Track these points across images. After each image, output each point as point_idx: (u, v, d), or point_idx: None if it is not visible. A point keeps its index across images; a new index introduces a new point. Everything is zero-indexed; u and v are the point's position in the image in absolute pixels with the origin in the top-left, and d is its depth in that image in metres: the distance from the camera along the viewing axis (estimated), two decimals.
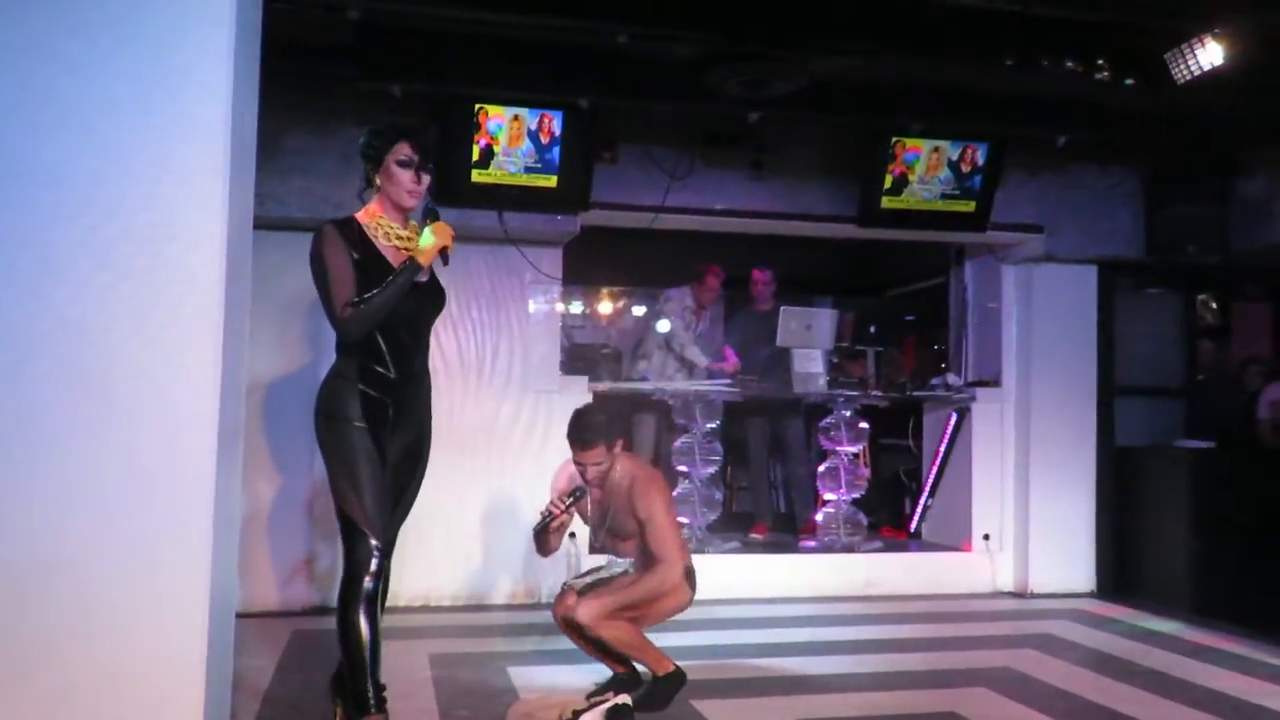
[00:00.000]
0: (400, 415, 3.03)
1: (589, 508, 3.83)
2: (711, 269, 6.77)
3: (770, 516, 6.95)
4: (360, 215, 3.03)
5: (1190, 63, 4.46)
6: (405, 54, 4.84)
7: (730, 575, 5.82)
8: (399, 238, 3.02)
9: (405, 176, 2.99)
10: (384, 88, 4.93)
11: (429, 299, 3.11)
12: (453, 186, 5.18)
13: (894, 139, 5.67)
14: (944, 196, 5.84)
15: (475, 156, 5.14)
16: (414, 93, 5.01)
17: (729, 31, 4.55)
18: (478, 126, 5.11)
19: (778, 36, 4.60)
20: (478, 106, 5.08)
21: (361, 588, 2.93)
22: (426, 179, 3.05)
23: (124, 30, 2.41)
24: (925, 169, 5.76)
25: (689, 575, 3.79)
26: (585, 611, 3.63)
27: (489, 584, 5.55)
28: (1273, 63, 4.53)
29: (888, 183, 5.74)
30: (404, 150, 2.99)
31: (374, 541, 2.95)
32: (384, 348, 2.98)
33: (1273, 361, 6.99)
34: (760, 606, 5.66)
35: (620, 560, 3.83)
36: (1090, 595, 6.23)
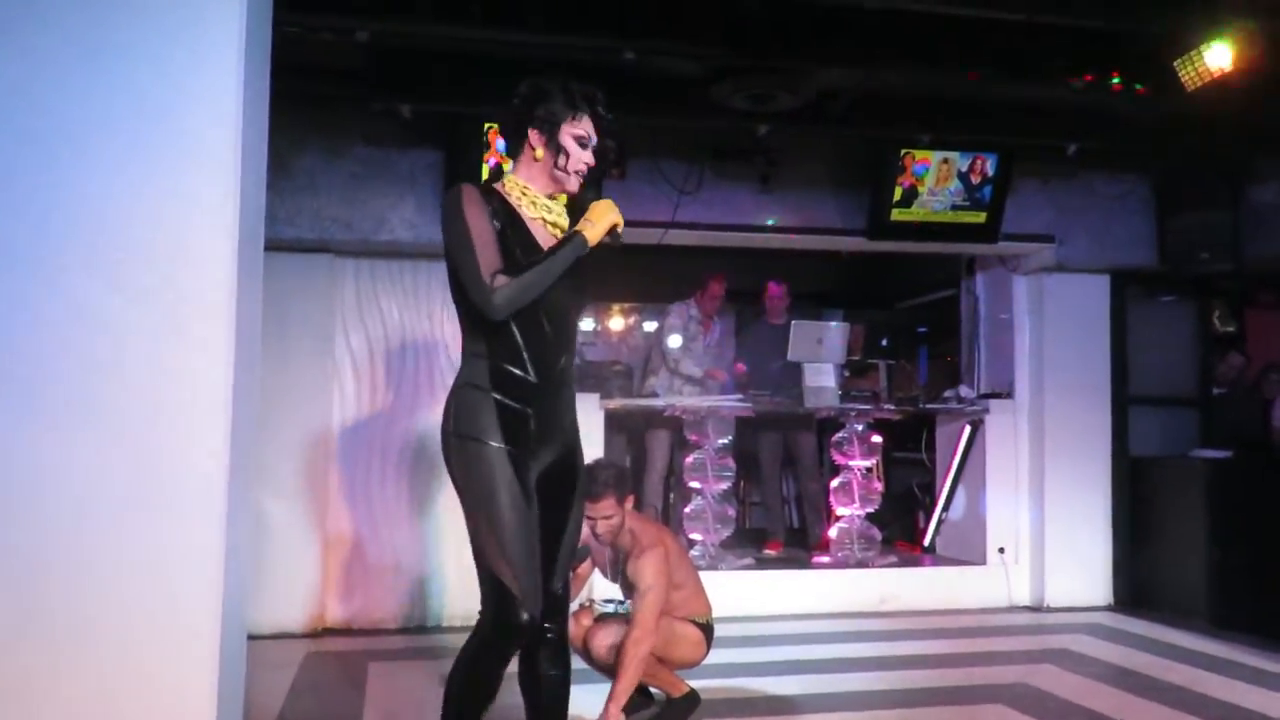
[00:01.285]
0: (543, 428, 2.51)
1: (605, 562, 3.80)
2: (714, 277, 6.75)
3: (784, 532, 6.92)
4: (500, 185, 2.57)
5: (1200, 70, 4.44)
6: (414, 74, 4.86)
7: (744, 592, 5.78)
8: (549, 211, 2.55)
9: (584, 156, 2.55)
10: (393, 107, 4.95)
11: (575, 286, 2.57)
12: None
13: (902, 151, 5.66)
14: (954, 208, 5.82)
15: (485, 176, 5.15)
16: (424, 113, 5.03)
17: (735, 46, 4.55)
18: (488, 145, 5.12)
19: (783, 50, 4.60)
20: (487, 125, 5.10)
21: (493, 655, 2.42)
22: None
23: (134, 53, 2.41)
24: (935, 180, 5.75)
25: (707, 631, 3.76)
26: (598, 644, 3.60)
27: None
28: None
29: (897, 195, 5.73)
30: (584, 126, 2.55)
31: (523, 613, 2.39)
32: (521, 343, 2.46)
33: None
34: (774, 623, 5.62)
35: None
36: (1107, 608, 6.17)
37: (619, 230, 2.55)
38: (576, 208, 2.63)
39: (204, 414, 2.44)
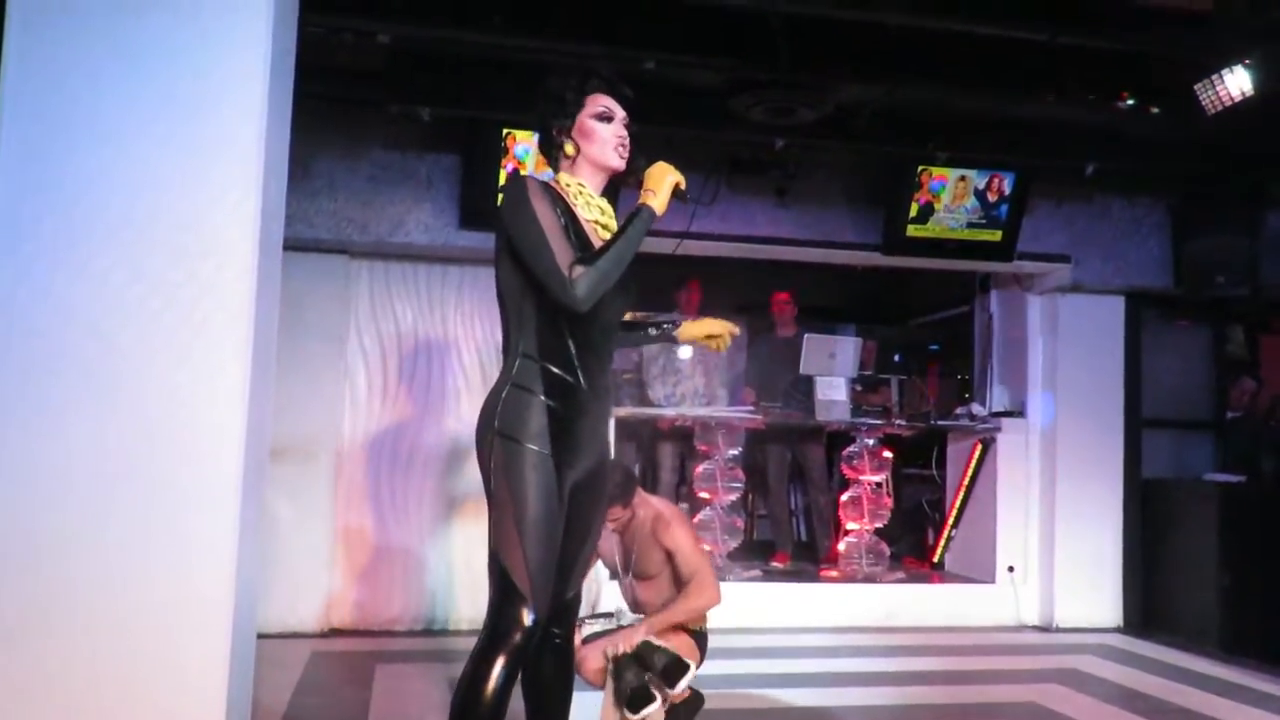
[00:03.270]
0: (586, 438, 2.43)
1: (614, 554, 3.80)
2: (691, 281, 6.70)
3: (791, 545, 6.90)
4: (555, 183, 2.47)
5: (1220, 93, 4.44)
6: (434, 78, 4.88)
7: (751, 604, 5.77)
8: (601, 213, 2.46)
9: (608, 131, 2.46)
10: (412, 111, 4.97)
11: (623, 292, 2.46)
12: (479, 210, 5.20)
13: (920, 167, 5.66)
14: (970, 225, 5.81)
15: (502, 180, 5.17)
16: (443, 117, 5.05)
17: (755, 59, 4.56)
18: (505, 150, 5.14)
19: (803, 65, 4.61)
20: (505, 131, 5.12)
21: (500, 657, 2.30)
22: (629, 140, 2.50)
23: (164, 51, 2.45)
24: (951, 197, 5.74)
25: (700, 640, 3.69)
26: (589, 668, 3.55)
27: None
28: None
29: (913, 211, 5.73)
30: (600, 101, 2.46)
31: (528, 613, 2.32)
32: (573, 349, 2.38)
33: None
34: (780, 636, 5.61)
35: (630, 615, 3.76)
36: (1117, 630, 6.13)
37: (683, 187, 2.45)
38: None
39: (221, 409, 2.46)
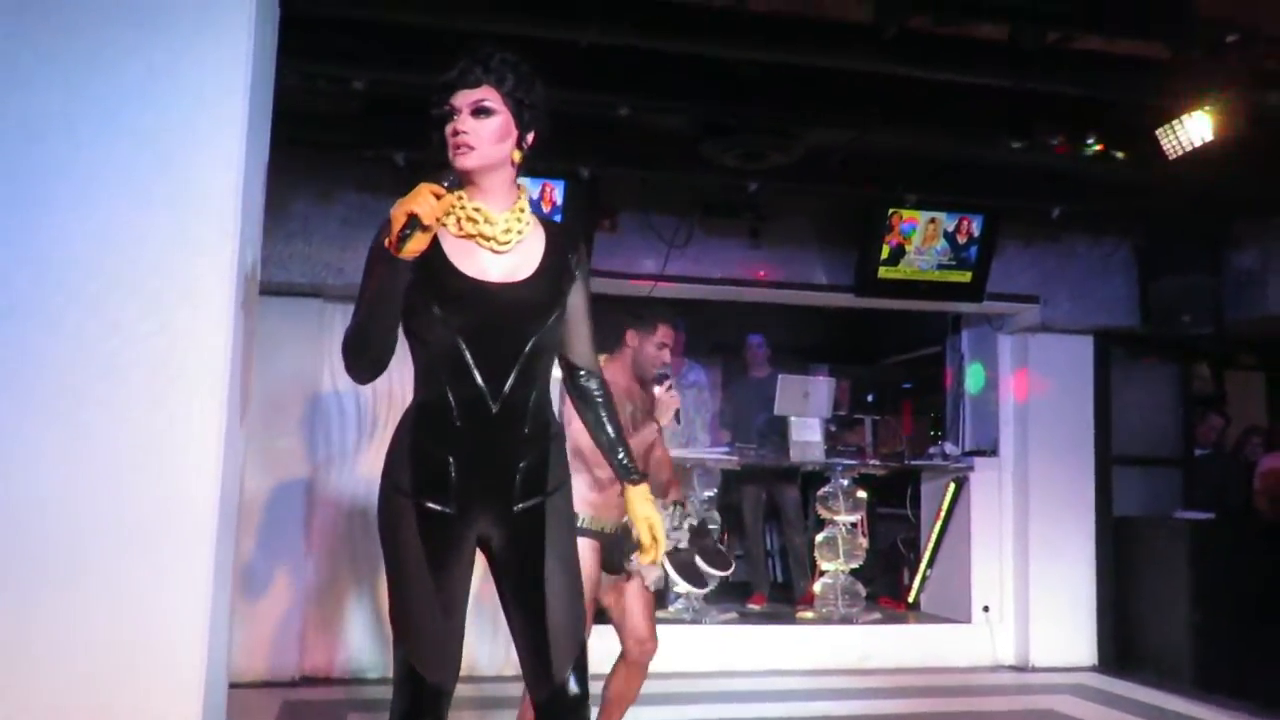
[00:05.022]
0: (472, 478, 2.09)
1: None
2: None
3: (768, 586, 6.88)
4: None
5: (1181, 138, 4.54)
6: (408, 122, 4.89)
7: (727, 646, 5.74)
8: (469, 219, 2.10)
9: (447, 131, 2.10)
10: (387, 155, 4.99)
11: (516, 300, 2.10)
12: None
13: (890, 210, 5.74)
14: (940, 266, 5.89)
15: None
16: (417, 160, 5.07)
17: (728, 105, 4.63)
18: None
19: (775, 110, 4.68)
20: None
21: None
22: (487, 125, 2.08)
23: (142, 102, 2.45)
24: (921, 239, 5.82)
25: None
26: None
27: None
28: (1261, 139, 4.61)
29: (884, 253, 5.80)
30: (448, 100, 2.10)
31: (424, 675, 2.08)
32: (443, 377, 2.09)
33: (1271, 432, 7.00)
34: (757, 679, 5.57)
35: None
36: (1092, 669, 6.14)
37: (419, 215, 1.92)
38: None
39: (194, 461, 2.44)
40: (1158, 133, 4.61)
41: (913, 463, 6.64)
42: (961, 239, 5.86)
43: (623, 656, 3.48)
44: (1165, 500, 6.63)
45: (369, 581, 5.44)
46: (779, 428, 6.43)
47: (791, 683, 5.56)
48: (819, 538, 6.46)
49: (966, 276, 5.94)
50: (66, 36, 2.41)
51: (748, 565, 7.02)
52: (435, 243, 2.05)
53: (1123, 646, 6.20)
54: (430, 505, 2.09)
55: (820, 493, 6.54)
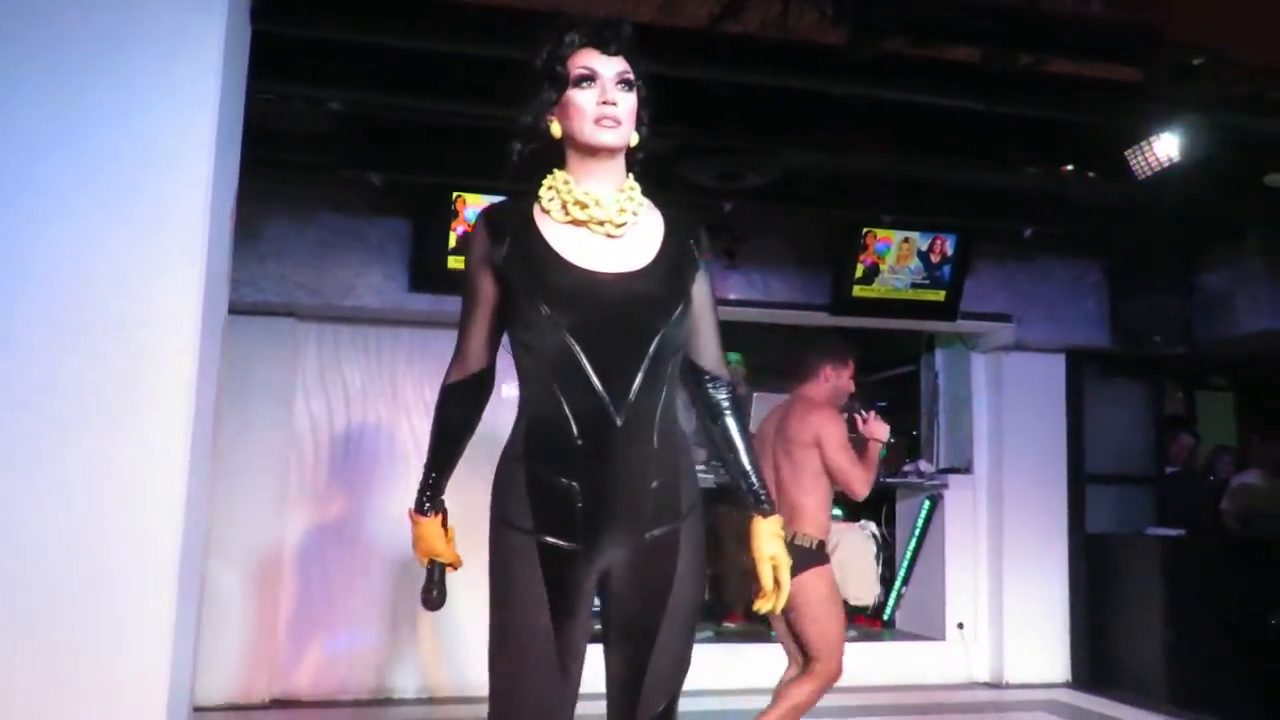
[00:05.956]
0: (598, 505, 1.81)
1: None
2: None
3: (743, 604, 6.87)
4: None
5: (1150, 159, 4.60)
6: (385, 143, 4.90)
7: (703, 665, 5.69)
8: (577, 204, 1.86)
9: (584, 99, 1.86)
10: (362, 176, 4.98)
11: (634, 292, 1.84)
12: (429, 273, 5.21)
13: (864, 229, 5.78)
14: (914, 286, 5.92)
15: (452, 243, 5.18)
16: (393, 181, 5.06)
17: (704, 126, 4.64)
18: (455, 214, 5.16)
19: (751, 131, 4.70)
20: (455, 195, 5.14)
21: None
22: (631, 100, 1.89)
23: (110, 124, 2.44)
24: (896, 259, 5.86)
25: None
26: None
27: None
28: (1229, 161, 4.68)
29: (859, 272, 5.83)
30: (579, 63, 1.87)
31: None
32: (555, 388, 1.79)
33: (1241, 451, 7.08)
34: (734, 698, 5.54)
35: None
36: (1066, 685, 6.16)
37: (445, 561, 2.02)
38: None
39: (160, 480, 2.42)
40: (1127, 153, 4.67)
41: (888, 480, 6.66)
42: (935, 258, 5.90)
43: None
44: (1137, 518, 6.67)
45: (343, 604, 5.40)
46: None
47: (767, 701, 5.53)
48: None
49: (940, 296, 5.98)
50: (34, 57, 2.40)
51: (724, 584, 7.01)
52: (537, 232, 1.86)
53: (1096, 663, 6.23)
54: (553, 541, 1.81)
55: None
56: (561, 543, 1.81)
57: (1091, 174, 5.04)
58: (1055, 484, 6.37)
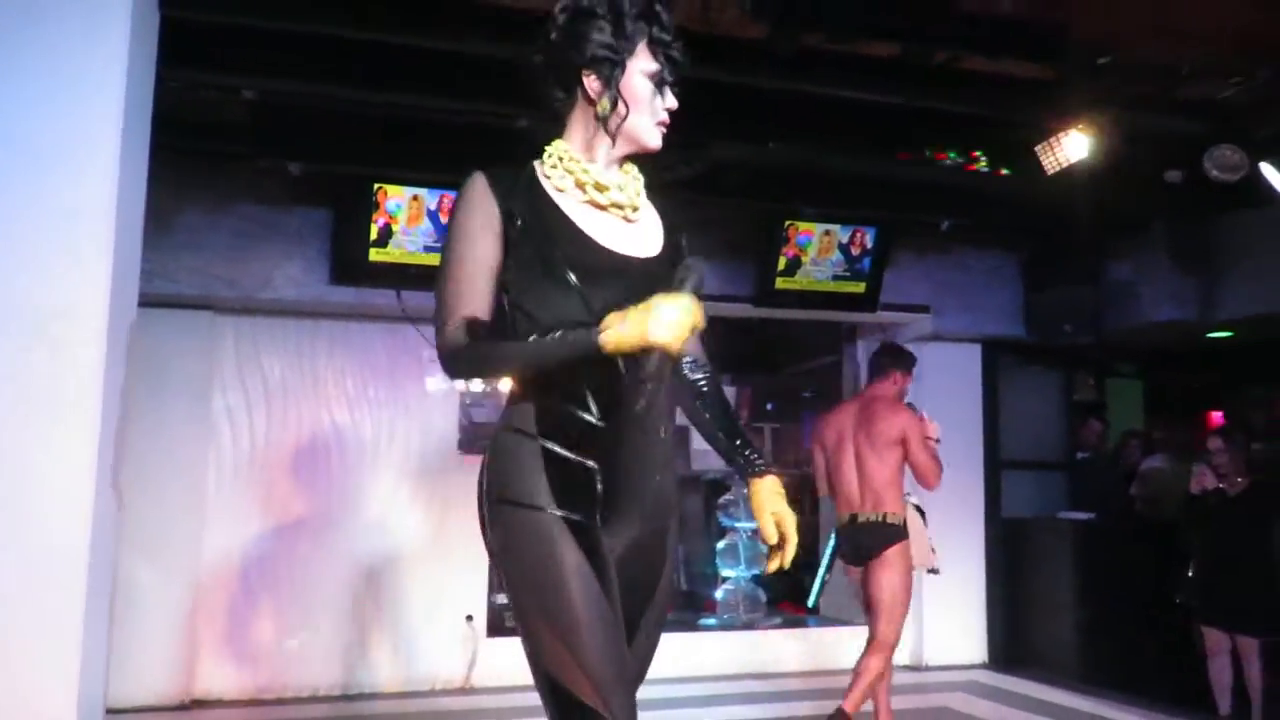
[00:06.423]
0: (616, 490, 1.77)
1: None
2: None
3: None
4: (543, 160, 1.88)
5: (1059, 155, 4.74)
6: (302, 133, 4.81)
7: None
8: (597, 187, 1.84)
9: (668, 102, 1.90)
10: (280, 165, 4.89)
11: (653, 276, 1.80)
12: (351, 265, 5.14)
13: (787, 222, 5.85)
14: (835, 278, 6.02)
15: (374, 235, 5.12)
16: (312, 171, 4.98)
17: None
18: (377, 205, 5.10)
19: (682, 123, 4.72)
20: (376, 185, 5.07)
21: None
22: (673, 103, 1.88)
23: (15, 106, 2.37)
24: (817, 251, 5.94)
25: None
26: None
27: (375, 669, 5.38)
28: (1133, 156, 4.85)
29: (782, 264, 5.90)
30: (656, 59, 1.86)
31: None
32: (579, 367, 1.70)
33: (1148, 436, 7.33)
34: (662, 687, 5.58)
35: None
36: (983, 666, 6.34)
37: (672, 351, 1.65)
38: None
39: (69, 474, 2.36)
40: (1037, 150, 4.80)
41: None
42: (855, 251, 6.01)
43: None
44: (1051, 502, 6.88)
45: (265, 599, 5.31)
46: (681, 437, 6.49)
47: (696, 689, 5.60)
48: (720, 545, 6.53)
49: (861, 287, 6.09)
50: None
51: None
52: (552, 205, 1.80)
53: (1012, 644, 6.41)
54: (579, 519, 1.74)
55: (721, 500, 6.62)
56: (585, 521, 1.75)
57: (1006, 169, 5.17)
58: (972, 470, 6.53)
